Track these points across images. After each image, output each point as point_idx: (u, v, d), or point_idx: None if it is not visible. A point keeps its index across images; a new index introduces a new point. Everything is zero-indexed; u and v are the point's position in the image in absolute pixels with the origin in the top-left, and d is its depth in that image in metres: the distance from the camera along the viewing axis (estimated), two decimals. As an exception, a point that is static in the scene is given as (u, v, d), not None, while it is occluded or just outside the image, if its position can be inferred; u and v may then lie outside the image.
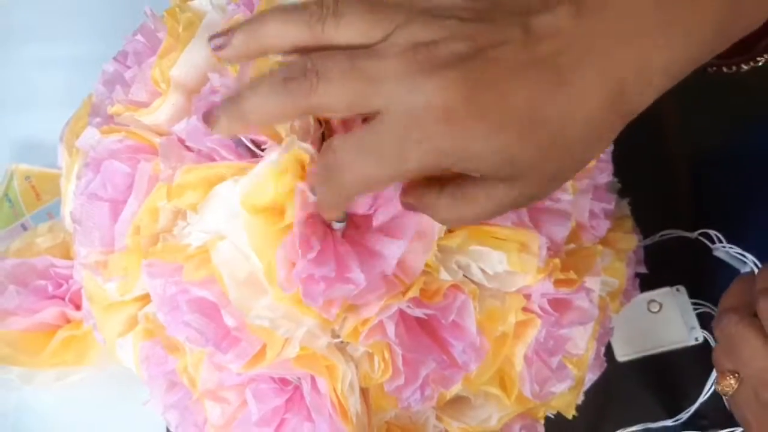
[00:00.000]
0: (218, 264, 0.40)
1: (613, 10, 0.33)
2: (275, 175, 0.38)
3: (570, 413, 0.51)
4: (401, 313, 0.41)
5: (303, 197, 0.39)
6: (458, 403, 0.47)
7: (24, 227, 0.61)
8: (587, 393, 0.53)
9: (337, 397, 0.42)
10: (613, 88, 0.33)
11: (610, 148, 0.52)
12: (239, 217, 0.39)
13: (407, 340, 0.42)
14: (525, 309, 0.44)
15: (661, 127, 0.62)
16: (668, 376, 0.59)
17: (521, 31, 0.32)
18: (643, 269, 0.56)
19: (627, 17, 0.33)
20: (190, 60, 0.44)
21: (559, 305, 0.45)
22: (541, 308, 0.44)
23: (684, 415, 0.56)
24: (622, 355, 0.60)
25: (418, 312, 0.41)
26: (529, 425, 0.48)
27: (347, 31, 0.33)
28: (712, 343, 0.58)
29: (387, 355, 0.41)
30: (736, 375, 0.46)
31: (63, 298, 0.54)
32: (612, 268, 0.52)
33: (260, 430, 0.44)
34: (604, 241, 0.52)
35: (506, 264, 0.42)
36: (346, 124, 0.40)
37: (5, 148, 0.66)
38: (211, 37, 0.34)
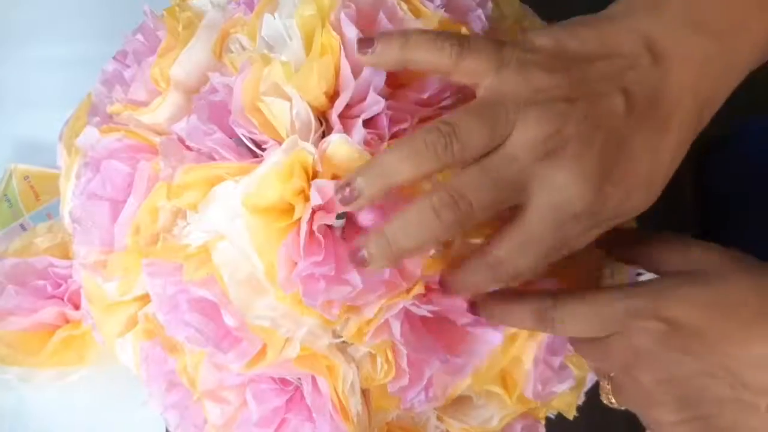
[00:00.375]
0: (218, 264, 0.40)
1: (686, 47, 0.38)
2: (279, 176, 0.38)
3: (571, 414, 0.51)
4: (407, 312, 0.41)
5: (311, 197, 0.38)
6: (460, 403, 0.47)
7: (23, 227, 0.61)
8: (588, 393, 0.52)
9: (339, 397, 0.42)
10: (699, 120, 0.38)
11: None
12: (240, 217, 0.38)
13: (413, 340, 0.41)
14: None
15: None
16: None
17: (621, 96, 0.37)
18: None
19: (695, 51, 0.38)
20: (190, 59, 0.44)
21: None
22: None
23: None
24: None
25: (424, 310, 0.40)
26: (530, 425, 0.48)
27: (472, 147, 0.36)
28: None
29: (390, 355, 0.41)
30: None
31: (62, 298, 0.54)
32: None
33: (260, 430, 0.44)
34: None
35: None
36: (346, 124, 0.40)
37: (4, 147, 0.66)
38: (336, 192, 0.37)
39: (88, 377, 0.55)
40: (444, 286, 0.40)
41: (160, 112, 0.43)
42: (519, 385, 0.45)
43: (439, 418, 0.47)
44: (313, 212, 0.39)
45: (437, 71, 0.39)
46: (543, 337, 0.44)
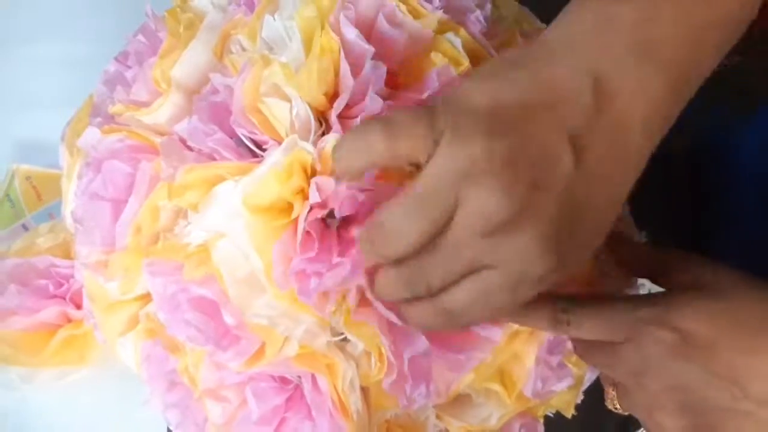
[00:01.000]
0: (218, 262, 0.40)
1: (634, 81, 0.35)
2: (279, 175, 0.38)
3: (569, 412, 0.51)
4: None
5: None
6: (458, 401, 0.47)
7: (25, 227, 0.62)
8: (586, 392, 0.53)
9: (338, 395, 0.42)
10: (649, 152, 0.37)
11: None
12: (240, 216, 0.39)
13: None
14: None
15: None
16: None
17: (569, 149, 0.34)
18: None
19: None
20: (191, 60, 0.44)
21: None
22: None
23: None
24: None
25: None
26: (529, 424, 0.49)
27: (411, 246, 0.35)
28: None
29: (384, 350, 0.41)
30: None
31: (64, 298, 0.54)
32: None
33: (261, 429, 0.44)
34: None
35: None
36: (346, 124, 0.40)
37: (6, 148, 0.66)
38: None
39: (90, 377, 0.56)
40: (401, 318, 0.40)
41: (162, 112, 0.44)
42: (518, 384, 0.46)
43: (438, 417, 0.47)
44: (311, 209, 0.39)
45: (376, 167, 0.36)
46: (544, 336, 0.44)
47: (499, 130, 0.33)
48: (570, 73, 0.35)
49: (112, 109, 0.45)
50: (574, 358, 0.49)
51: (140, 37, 0.46)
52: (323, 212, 0.39)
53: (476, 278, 0.35)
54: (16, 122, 0.66)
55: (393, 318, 0.40)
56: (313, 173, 0.40)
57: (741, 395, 0.37)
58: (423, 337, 0.42)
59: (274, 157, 0.39)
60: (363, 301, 0.41)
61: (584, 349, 0.43)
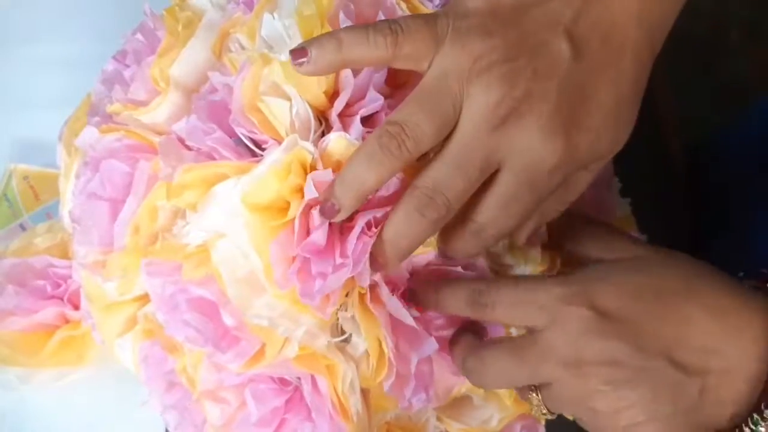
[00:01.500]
0: (217, 263, 0.40)
1: None
2: (278, 174, 0.38)
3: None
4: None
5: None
6: (459, 403, 0.47)
7: (23, 227, 0.61)
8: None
9: (338, 396, 0.42)
10: (651, 45, 0.38)
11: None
12: (239, 216, 0.38)
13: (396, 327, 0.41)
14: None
15: (657, 124, 0.62)
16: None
17: (565, 40, 0.36)
18: None
19: None
20: (189, 59, 0.44)
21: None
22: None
23: None
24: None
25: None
26: (529, 426, 0.48)
27: (425, 139, 0.36)
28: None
29: (385, 348, 0.41)
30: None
31: (62, 298, 0.54)
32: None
33: (260, 430, 0.44)
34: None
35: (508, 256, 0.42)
36: (346, 123, 0.40)
37: (4, 148, 0.65)
38: (319, 208, 0.38)
39: (89, 377, 0.55)
40: (439, 253, 0.41)
41: (160, 111, 0.43)
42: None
43: (438, 419, 0.47)
44: (308, 207, 0.39)
45: (378, 65, 0.39)
46: None
47: (497, 28, 0.36)
48: None
49: (110, 108, 0.45)
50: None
51: (138, 36, 0.46)
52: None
53: (492, 186, 0.36)
54: (14, 122, 0.66)
55: (404, 316, 0.40)
56: (312, 171, 0.40)
57: (674, 367, 0.37)
58: (432, 340, 0.42)
59: (274, 156, 0.38)
60: (373, 298, 0.41)
61: (508, 355, 0.40)
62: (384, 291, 0.40)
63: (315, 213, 0.38)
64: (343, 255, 0.39)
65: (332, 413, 0.42)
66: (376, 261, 0.38)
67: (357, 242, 0.39)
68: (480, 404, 0.47)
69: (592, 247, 0.43)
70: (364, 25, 0.37)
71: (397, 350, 0.42)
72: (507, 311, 0.40)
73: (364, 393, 0.44)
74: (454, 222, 0.38)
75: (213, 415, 0.45)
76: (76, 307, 0.54)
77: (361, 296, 0.40)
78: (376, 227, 0.39)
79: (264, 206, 0.39)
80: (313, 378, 0.42)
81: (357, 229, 0.38)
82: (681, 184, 0.66)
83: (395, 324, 0.42)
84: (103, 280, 0.46)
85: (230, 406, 0.44)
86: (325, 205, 0.37)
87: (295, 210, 0.38)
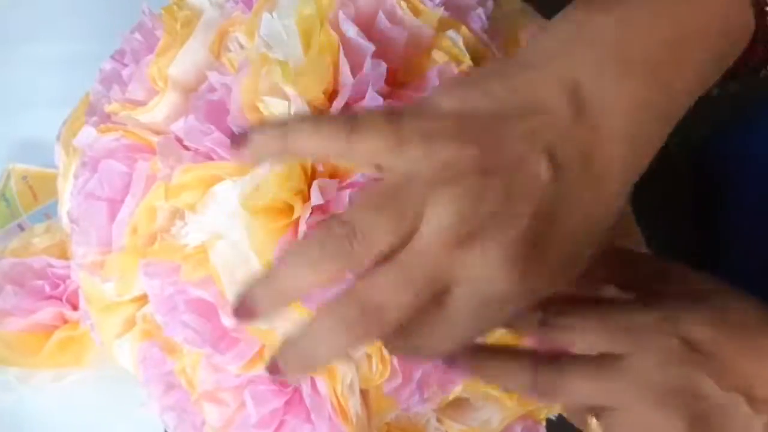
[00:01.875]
0: (216, 264, 0.39)
1: (614, 92, 0.33)
2: (278, 176, 0.38)
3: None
4: None
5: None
6: (459, 404, 0.47)
7: (21, 227, 0.61)
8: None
9: (338, 398, 0.42)
10: (639, 163, 0.34)
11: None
12: (238, 217, 0.38)
13: None
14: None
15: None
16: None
17: (545, 159, 0.32)
18: None
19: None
20: (188, 58, 0.43)
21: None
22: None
23: None
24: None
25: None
26: (530, 427, 0.48)
27: (375, 246, 0.31)
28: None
29: (386, 354, 0.41)
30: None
31: (60, 299, 0.54)
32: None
33: (259, 432, 0.43)
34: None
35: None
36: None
37: (2, 148, 0.65)
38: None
39: (88, 378, 0.55)
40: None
41: (158, 111, 0.43)
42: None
43: (438, 420, 0.47)
44: (312, 211, 0.39)
45: (329, 159, 0.35)
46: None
47: (471, 135, 0.31)
48: (545, 83, 0.33)
49: (109, 107, 0.45)
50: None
51: (137, 35, 0.46)
52: (324, 216, 0.39)
53: (439, 314, 0.32)
54: (12, 122, 0.66)
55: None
56: (314, 173, 0.40)
57: (746, 403, 0.36)
58: None
59: (273, 157, 0.38)
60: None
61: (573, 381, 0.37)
62: None
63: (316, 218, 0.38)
64: None
65: (331, 415, 0.42)
66: (275, 366, 0.32)
67: None
68: (480, 405, 0.47)
69: (673, 284, 0.40)
70: (317, 116, 0.34)
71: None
72: (583, 335, 0.37)
73: (364, 394, 0.44)
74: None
75: (212, 416, 0.45)
76: (75, 308, 0.53)
77: None
78: None
79: (263, 208, 0.38)
80: (312, 379, 0.42)
81: None
82: (683, 182, 0.65)
83: None
84: (101, 280, 0.45)
85: (229, 407, 0.44)
86: (241, 304, 0.32)
87: (299, 213, 0.38)
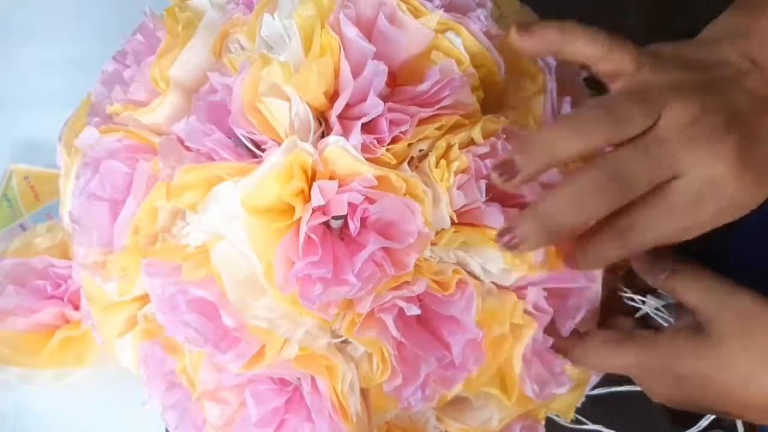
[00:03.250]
0: (217, 264, 0.40)
1: None
2: (278, 176, 0.38)
3: (569, 416, 0.51)
4: (400, 310, 0.41)
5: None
6: (458, 403, 0.47)
7: (23, 227, 0.61)
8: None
9: (338, 397, 0.42)
10: None
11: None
12: (239, 217, 0.39)
13: (406, 336, 0.41)
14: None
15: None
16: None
17: (745, 94, 0.40)
18: None
19: None
20: (189, 59, 0.44)
21: (558, 295, 0.45)
22: (538, 307, 0.44)
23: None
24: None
25: (413, 308, 0.40)
26: (529, 426, 0.48)
27: (630, 126, 0.38)
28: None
29: (386, 353, 0.41)
30: None
31: (62, 299, 0.54)
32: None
33: (260, 430, 0.44)
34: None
35: (501, 262, 0.42)
36: (346, 125, 0.40)
37: (4, 148, 0.66)
38: (494, 168, 0.39)
39: (89, 377, 0.55)
40: (569, 261, 0.43)
41: (160, 112, 0.43)
42: (518, 386, 0.45)
43: (438, 419, 0.47)
44: (313, 212, 0.39)
45: (587, 60, 0.41)
46: (527, 336, 0.43)
47: (691, 67, 0.40)
48: (730, 49, 0.41)
49: (110, 108, 0.45)
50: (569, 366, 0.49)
51: (138, 37, 0.46)
52: (326, 217, 0.39)
53: (662, 196, 0.38)
54: (14, 122, 0.66)
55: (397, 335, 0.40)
56: (314, 174, 0.40)
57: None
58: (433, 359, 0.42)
59: (274, 157, 0.38)
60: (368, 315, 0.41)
61: None
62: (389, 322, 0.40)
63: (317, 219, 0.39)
64: (348, 272, 0.39)
65: (332, 414, 0.42)
66: (503, 237, 0.38)
67: (365, 264, 0.39)
68: (479, 405, 0.47)
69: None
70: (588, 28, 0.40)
71: (403, 356, 0.42)
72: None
73: (364, 393, 0.44)
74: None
75: (213, 415, 0.45)
76: (77, 308, 0.54)
77: (352, 322, 0.40)
78: (386, 260, 0.39)
79: (264, 209, 0.39)
80: (312, 378, 0.42)
81: (368, 250, 0.39)
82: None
83: (407, 328, 0.42)
84: (102, 280, 0.46)
85: (230, 406, 0.45)
86: (502, 167, 0.38)
87: (300, 213, 0.39)
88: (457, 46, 0.42)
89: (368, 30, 0.41)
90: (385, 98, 0.41)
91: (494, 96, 0.45)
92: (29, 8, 0.72)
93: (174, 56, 0.44)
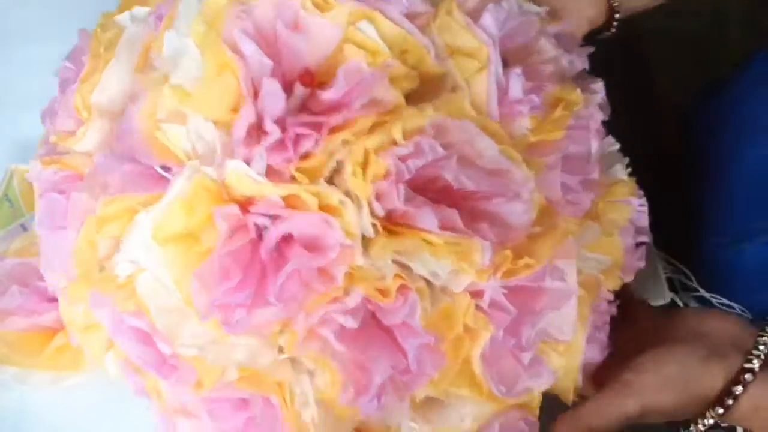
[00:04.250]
0: (143, 294, 0.40)
1: None
2: (183, 204, 0.38)
3: (569, 398, 0.49)
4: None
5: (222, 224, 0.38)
6: (431, 404, 0.46)
7: (24, 227, 0.61)
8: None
9: (292, 412, 0.42)
10: None
11: (600, 116, 0.48)
12: (154, 248, 0.38)
13: (354, 347, 0.40)
14: (477, 308, 0.41)
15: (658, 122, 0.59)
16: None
17: None
18: (645, 238, 0.51)
19: None
20: (110, 83, 0.43)
21: (525, 294, 0.43)
22: (497, 304, 0.41)
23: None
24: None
25: (350, 320, 0.39)
26: (508, 424, 0.46)
27: None
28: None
29: (334, 366, 0.40)
30: None
31: (62, 299, 0.54)
32: (600, 244, 0.48)
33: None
34: (592, 214, 0.48)
35: (447, 268, 0.40)
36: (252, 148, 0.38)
37: (5, 148, 0.65)
38: None
39: (88, 378, 0.56)
40: None
41: (88, 140, 0.43)
42: (485, 385, 0.43)
43: (412, 419, 0.46)
44: (229, 238, 0.38)
45: None
46: (483, 337, 0.41)
47: None
48: None
49: (52, 138, 0.45)
50: (562, 347, 0.46)
51: (66, 63, 0.46)
52: (238, 242, 0.38)
53: None
54: (15, 122, 0.66)
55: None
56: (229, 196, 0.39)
57: None
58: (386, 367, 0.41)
59: (177, 184, 0.38)
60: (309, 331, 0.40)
61: None
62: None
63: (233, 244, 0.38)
64: (269, 293, 0.38)
65: (288, 430, 0.42)
66: None
67: (286, 284, 0.38)
68: (452, 404, 0.45)
69: None
70: None
71: (354, 366, 0.41)
72: None
73: (326, 402, 0.43)
74: None
75: (185, 429, 0.46)
76: None
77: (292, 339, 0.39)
78: (314, 275, 0.38)
79: (175, 236, 0.38)
80: (264, 397, 0.42)
81: (286, 270, 0.38)
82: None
83: (354, 339, 0.41)
84: (69, 305, 0.47)
85: (201, 420, 0.45)
86: None
87: (209, 241, 0.38)
88: (371, 36, 0.39)
89: (272, 38, 0.39)
90: (301, 105, 0.39)
91: (431, 82, 0.42)
92: (29, 8, 0.73)
93: (96, 81, 0.43)
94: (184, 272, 0.38)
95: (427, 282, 0.42)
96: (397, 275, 0.40)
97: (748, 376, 0.47)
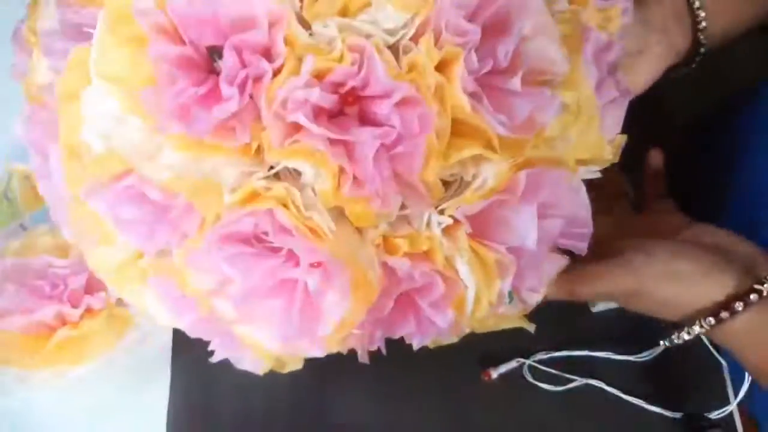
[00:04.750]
0: (115, 147, 0.40)
1: None
2: (109, 32, 0.38)
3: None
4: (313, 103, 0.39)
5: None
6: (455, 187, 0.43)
7: (23, 227, 0.62)
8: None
9: (301, 220, 0.40)
10: None
11: None
12: (101, 86, 0.39)
13: (334, 127, 0.39)
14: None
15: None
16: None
17: None
18: None
19: None
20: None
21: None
22: (459, 30, 0.39)
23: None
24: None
25: (316, 93, 0.38)
26: (536, 173, 0.42)
27: None
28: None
29: (317, 154, 0.39)
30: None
31: (60, 299, 0.55)
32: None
33: (264, 299, 0.42)
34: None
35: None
36: None
37: (4, 148, 0.65)
38: None
39: (88, 376, 0.56)
40: None
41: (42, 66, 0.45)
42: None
43: (439, 211, 0.43)
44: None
45: None
46: (458, 68, 0.39)
47: None
48: None
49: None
50: (560, 80, 0.43)
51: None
52: (177, 50, 0.38)
53: None
54: (15, 122, 0.68)
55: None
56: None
57: None
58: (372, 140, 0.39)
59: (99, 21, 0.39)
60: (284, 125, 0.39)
61: None
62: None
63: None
64: (223, 83, 0.38)
65: (302, 239, 0.40)
66: None
67: (230, 69, 0.38)
68: (473, 175, 0.42)
69: None
70: None
71: (342, 151, 0.39)
72: None
73: (340, 212, 0.41)
74: None
75: (225, 310, 0.44)
76: (75, 307, 0.55)
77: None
78: (255, 55, 0.38)
79: (114, 74, 0.39)
80: (272, 216, 0.41)
81: (227, 56, 0.38)
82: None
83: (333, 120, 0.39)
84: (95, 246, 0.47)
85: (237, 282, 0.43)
86: None
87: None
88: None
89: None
90: None
91: None
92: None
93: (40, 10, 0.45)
94: (134, 97, 0.39)
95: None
96: (342, 39, 0.39)
97: (753, 296, 0.47)
